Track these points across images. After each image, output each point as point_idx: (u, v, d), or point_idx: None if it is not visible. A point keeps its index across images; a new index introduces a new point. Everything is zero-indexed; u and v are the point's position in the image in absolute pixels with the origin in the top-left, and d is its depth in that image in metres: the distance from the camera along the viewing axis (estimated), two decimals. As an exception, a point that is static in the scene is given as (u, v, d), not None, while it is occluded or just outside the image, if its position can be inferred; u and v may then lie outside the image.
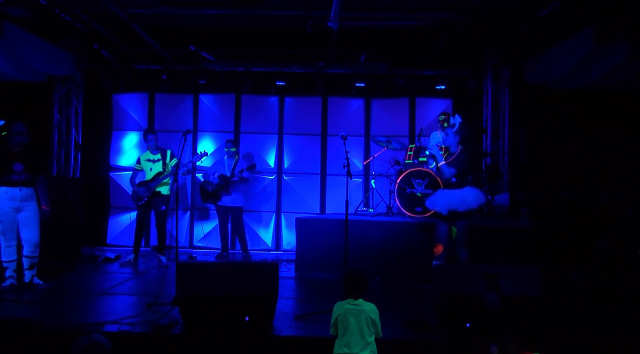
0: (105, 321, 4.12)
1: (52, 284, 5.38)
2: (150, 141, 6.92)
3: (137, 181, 6.93)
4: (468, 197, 5.33)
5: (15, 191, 5.09)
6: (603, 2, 5.79)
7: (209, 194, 7.28)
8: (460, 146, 5.44)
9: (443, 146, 5.56)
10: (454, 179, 5.40)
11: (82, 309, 4.58)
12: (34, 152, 5.18)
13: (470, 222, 5.44)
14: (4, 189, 5.07)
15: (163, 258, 6.71)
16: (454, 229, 5.37)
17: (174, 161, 6.82)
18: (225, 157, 7.40)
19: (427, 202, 5.71)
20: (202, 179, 7.43)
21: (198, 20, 6.92)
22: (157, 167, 6.84)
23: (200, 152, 6.94)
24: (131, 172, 7.15)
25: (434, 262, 5.53)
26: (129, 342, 3.82)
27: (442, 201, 5.39)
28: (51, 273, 5.82)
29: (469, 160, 5.51)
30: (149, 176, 6.85)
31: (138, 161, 7.04)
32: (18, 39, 6.49)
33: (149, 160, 6.90)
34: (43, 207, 5.32)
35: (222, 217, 7.37)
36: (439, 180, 5.55)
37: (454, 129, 5.48)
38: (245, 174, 7.13)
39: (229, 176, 7.19)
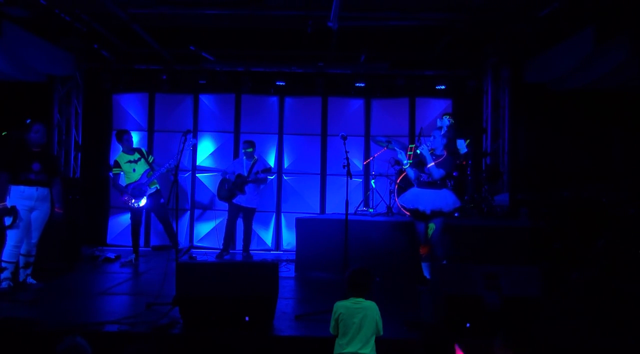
0: (105, 321, 4.12)
1: (45, 284, 5.37)
2: (127, 141, 6.80)
3: (122, 183, 6.83)
4: (449, 198, 5.38)
5: (32, 190, 5.12)
6: (603, 2, 5.79)
7: (225, 192, 7.28)
8: (445, 150, 5.47)
9: (431, 148, 5.55)
10: (426, 178, 5.41)
11: (82, 309, 4.58)
12: (52, 154, 5.20)
13: (467, 222, 5.46)
14: (21, 187, 5.09)
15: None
16: (432, 226, 5.37)
17: (151, 158, 6.89)
18: (244, 157, 7.38)
19: (402, 200, 5.58)
20: (221, 177, 7.44)
21: (198, 20, 6.92)
22: (142, 166, 6.74)
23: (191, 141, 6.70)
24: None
25: (423, 264, 5.54)
26: (129, 342, 3.81)
27: (425, 200, 5.35)
28: (51, 273, 5.83)
29: (453, 164, 5.57)
30: (135, 176, 6.73)
31: (117, 165, 6.81)
32: (18, 39, 6.49)
33: (130, 161, 6.77)
34: (56, 210, 5.36)
35: (232, 216, 7.35)
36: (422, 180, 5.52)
37: (442, 132, 5.52)
38: (260, 176, 7.17)
39: (245, 175, 7.21)
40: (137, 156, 6.82)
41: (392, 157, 7.62)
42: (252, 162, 7.29)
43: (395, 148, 5.78)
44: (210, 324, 3.99)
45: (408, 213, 5.90)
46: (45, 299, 4.85)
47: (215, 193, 7.57)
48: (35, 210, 5.19)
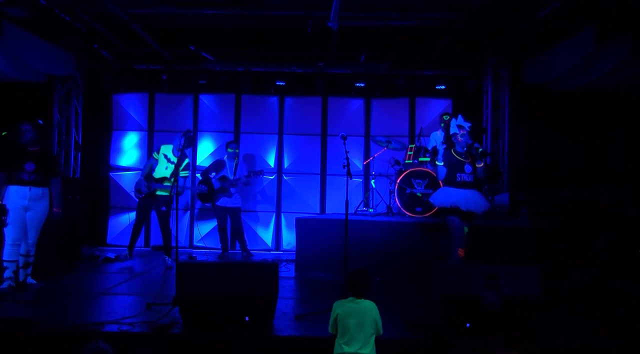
0: (105, 321, 4.13)
1: (45, 284, 5.36)
2: (185, 138, 6.05)
3: (144, 172, 6.73)
4: (483, 199, 5.39)
5: (24, 190, 5.12)
6: (603, 2, 5.79)
7: (208, 195, 7.26)
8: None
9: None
10: (466, 178, 5.31)
11: (82, 309, 4.58)
12: (51, 154, 5.18)
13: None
14: (14, 187, 5.11)
15: (168, 260, 6.58)
16: (466, 229, 5.31)
17: (185, 173, 6.67)
18: (226, 157, 7.37)
19: (435, 200, 5.42)
20: (200, 178, 7.40)
21: (198, 20, 6.92)
22: (169, 171, 6.60)
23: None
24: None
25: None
26: (129, 342, 3.82)
27: (468, 200, 5.21)
28: (51, 273, 5.83)
29: None
30: (158, 174, 6.65)
31: (158, 150, 6.76)
32: (18, 39, 6.49)
33: (166, 157, 6.68)
34: (54, 210, 5.35)
35: (221, 218, 7.35)
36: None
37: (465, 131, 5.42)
38: (250, 179, 7.18)
39: (231, 178, 7.19)
40: (174, 159, 6.59)
41: (392, 157, 7.62)
42: (234, 163, 7.29)
43: (437, 145, 5.66)
44: (210, 324, 3.99)
45: (447, 213, 5.53)
46: (45, 299, 4.85)
47: (196, 194, 7.50)
48: (30, 210, 5.18)
